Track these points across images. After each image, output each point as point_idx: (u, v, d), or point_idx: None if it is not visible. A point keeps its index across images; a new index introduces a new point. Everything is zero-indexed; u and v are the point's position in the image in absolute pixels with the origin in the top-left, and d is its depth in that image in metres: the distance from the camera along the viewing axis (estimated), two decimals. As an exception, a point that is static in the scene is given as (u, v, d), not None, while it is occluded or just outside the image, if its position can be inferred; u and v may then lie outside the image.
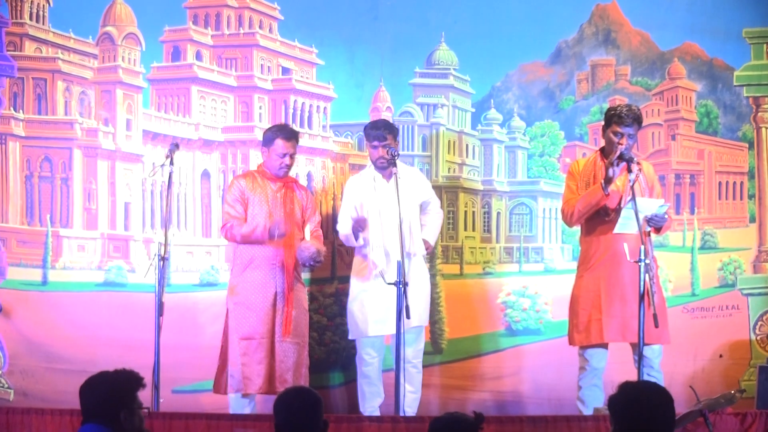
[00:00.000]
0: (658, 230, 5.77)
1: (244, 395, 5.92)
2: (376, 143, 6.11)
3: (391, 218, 5.96)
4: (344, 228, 6.17)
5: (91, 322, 6.73)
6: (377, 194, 6.13)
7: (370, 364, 6.14)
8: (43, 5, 6.94)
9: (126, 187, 6.92)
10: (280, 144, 6.00)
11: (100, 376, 3.77)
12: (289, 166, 6.06)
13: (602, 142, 5.93)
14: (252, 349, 5.88)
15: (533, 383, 6.74)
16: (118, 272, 6.86)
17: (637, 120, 5.76)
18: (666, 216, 5.68)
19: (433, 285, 6.78)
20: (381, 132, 6.10)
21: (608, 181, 5.67)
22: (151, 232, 6.89)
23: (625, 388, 3.66)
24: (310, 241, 5.92)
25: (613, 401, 3.65)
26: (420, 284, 6.11)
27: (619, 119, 5.73)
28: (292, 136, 6.05)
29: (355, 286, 6.17)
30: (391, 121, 6.47)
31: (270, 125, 6.44)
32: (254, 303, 5.92)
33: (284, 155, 6.00)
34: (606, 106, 6.61)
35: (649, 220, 5.60)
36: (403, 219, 5.73)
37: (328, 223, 6.80)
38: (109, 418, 3.67)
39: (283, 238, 5.88)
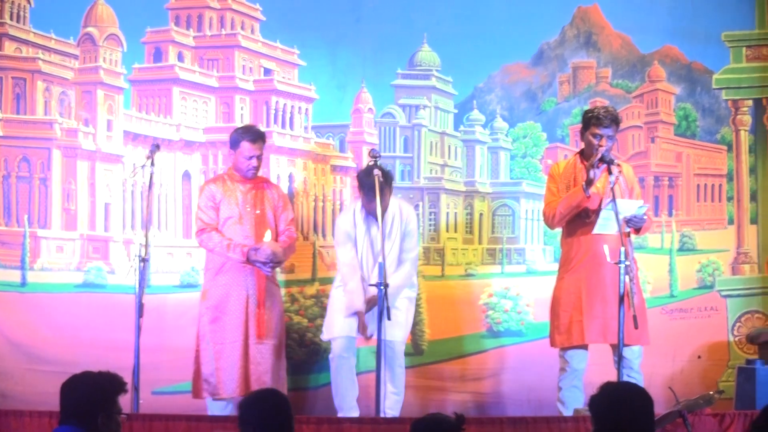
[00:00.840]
0: (637, 231, 5.80)
1: (221, 399, 5.89)
2: (372, 195, 5.71)
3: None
4: (352, 284, 5.92)
5: (70, 323, 6.69)
6: (369, 237, 5.98)
7: (342, 364, 5.98)
8: (24, 5, 6.90)
9: (106, 188, 6.89)
10: (246, 146, 5.93)
11: (83, 376, 3.72)
12: (256, 168, 5.99)
13: (582, 145, 5.95)
14: (225, 353, 5.84)
15: (514, 384, 6.74)
16: (98, 273, 6.82)
17: (615, 120, 5.78)
18: (645, 217, 5.69)
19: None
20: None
21: (589, 183, 5.68)
22: (131, 233, 6.85)
23: (606, 389, 3.67)
24: (267, 243, 5.86)
25: (593, 402, 3.65)
26: (401, 308, 5.99)
27: (598, 121, 5.74)
28: (258, 137, 5.97)
29: (339, 300, 6.02)
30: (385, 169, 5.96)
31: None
32: (226, 307, 5.88)
33: (251, 157, 5.94)
34: (587, 108, 6.62)
35: (628, 221, 5.62)
36: (386, 246, 5.67)
37: (308, 225, 6.79)
38: (86, 420, 3.62)
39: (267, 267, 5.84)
